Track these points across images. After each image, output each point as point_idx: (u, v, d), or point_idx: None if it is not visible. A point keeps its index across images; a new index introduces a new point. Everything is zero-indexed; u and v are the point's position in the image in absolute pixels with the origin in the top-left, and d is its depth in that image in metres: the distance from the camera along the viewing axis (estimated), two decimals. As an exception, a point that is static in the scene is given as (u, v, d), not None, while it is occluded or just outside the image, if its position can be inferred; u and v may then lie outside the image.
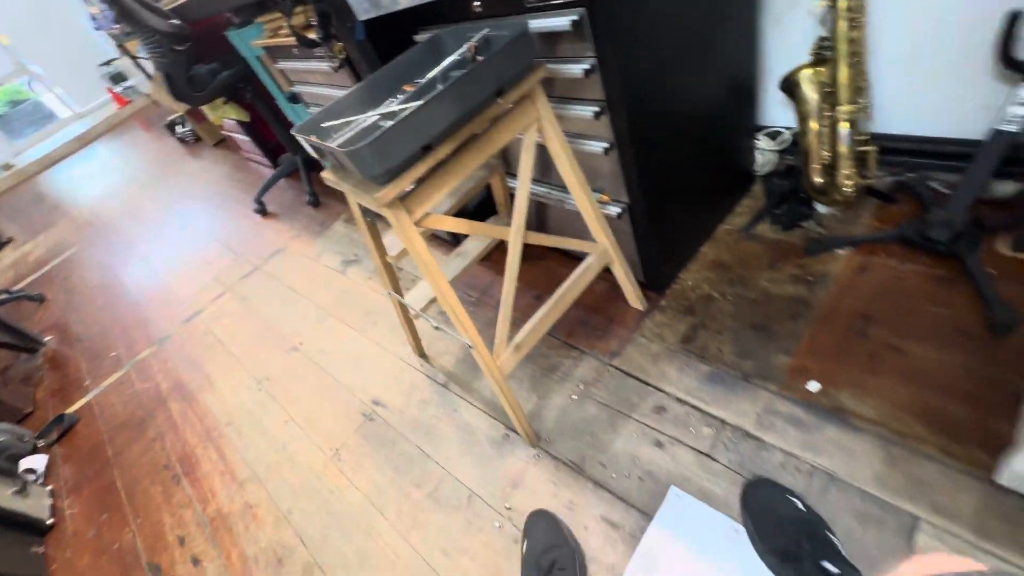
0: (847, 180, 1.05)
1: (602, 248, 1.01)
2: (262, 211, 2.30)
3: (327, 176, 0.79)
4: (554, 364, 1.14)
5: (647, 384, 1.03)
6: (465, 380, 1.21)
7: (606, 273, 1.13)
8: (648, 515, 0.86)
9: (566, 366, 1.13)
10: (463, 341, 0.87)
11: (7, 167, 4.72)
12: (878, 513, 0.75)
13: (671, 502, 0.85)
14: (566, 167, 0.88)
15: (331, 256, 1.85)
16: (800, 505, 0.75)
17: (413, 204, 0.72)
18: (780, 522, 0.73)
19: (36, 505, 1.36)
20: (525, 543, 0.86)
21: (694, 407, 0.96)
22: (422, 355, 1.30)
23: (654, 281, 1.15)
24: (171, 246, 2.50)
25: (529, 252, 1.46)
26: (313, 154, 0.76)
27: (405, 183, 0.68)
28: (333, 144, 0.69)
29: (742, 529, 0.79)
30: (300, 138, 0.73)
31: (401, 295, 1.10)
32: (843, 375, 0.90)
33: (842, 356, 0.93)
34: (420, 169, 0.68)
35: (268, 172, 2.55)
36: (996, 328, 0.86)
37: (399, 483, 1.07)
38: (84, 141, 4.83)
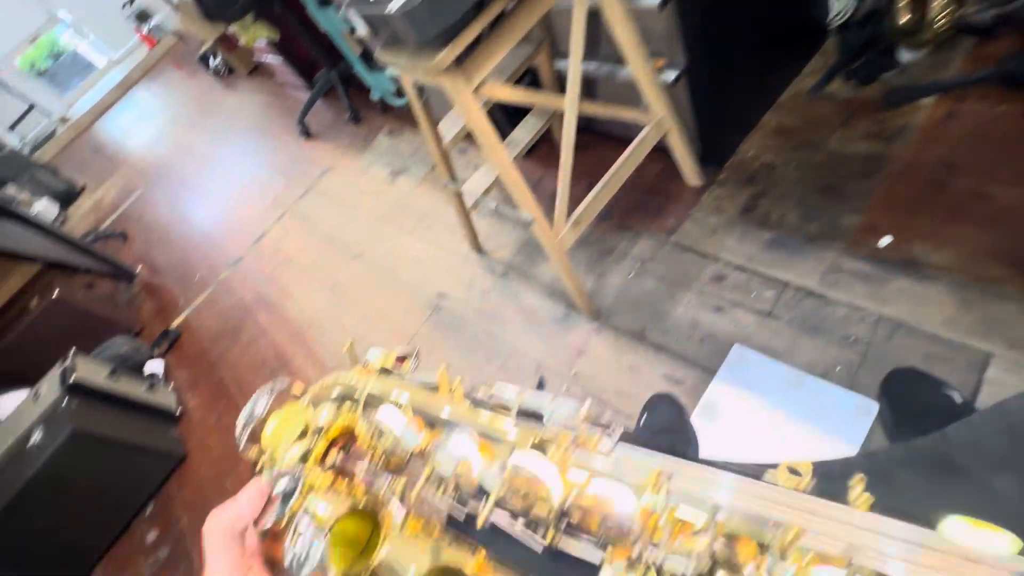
0: (941, 14, 0.93)
1: (658, 117, 0.98)
2: (306, 133, 2.33)
3: (381, 55, 0.79)
4: (611, 246, 1.16)
5: (705, 256, 1.04)
6: (523, 269, 1.26)
7: (662, 155, 1.10)
8: (710, 371, 0.91)
9: (623, 247, 1.15)
10: (524, 218, 0.90)
11: (64, 120, 4.94)
12: (947, 353, 0.76)
13: (734, 356, 0.89)
14: (620, 24, 0.83)
15: (379, 168, 1.88)
16: (958, 399, 0.67)
17: (471, 69, 0.71)
18: (924, 411, 0.67)
19: (164, 399, 1.60)
20: (643, 418, 0.85)
21: (755, 272, 0.97)
22: (479, 250, 1.36)
23: (713, 154, 1.11)
24: (226, 177, 2.61)
25: (580, 141, 1.43)
26: (363, 30, 0.75)
27: (462, 44, 0.67)
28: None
29: (806, 375, 0.83)
30: (351, 12, 0.73)
31: (458, 185, 1.13)
32: (918, 227, 0.87)
33: (918, 209, 0.89)
34: (476, 28, 0.67)
35: (304, 96, 2.53)
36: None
37: (471, 360, 1.17)
38: (125, 87, 4.93)
